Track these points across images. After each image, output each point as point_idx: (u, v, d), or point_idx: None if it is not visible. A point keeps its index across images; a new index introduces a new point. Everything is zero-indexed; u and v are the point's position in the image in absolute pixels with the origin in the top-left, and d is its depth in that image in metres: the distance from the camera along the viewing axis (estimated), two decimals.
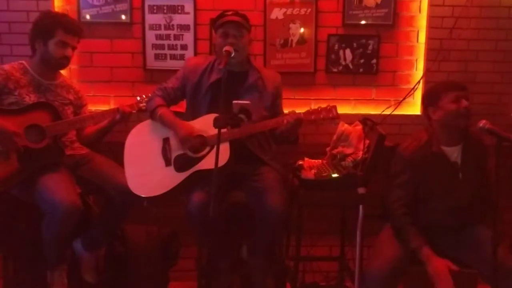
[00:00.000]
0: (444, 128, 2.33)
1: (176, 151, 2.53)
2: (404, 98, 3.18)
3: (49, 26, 2.52)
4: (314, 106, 3.15)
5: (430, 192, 2.38)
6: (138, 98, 2.72)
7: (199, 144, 2.49)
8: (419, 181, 2.36)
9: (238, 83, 2.56)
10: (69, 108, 2.66)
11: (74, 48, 2.61)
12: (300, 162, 2.76)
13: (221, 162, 2.29)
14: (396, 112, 3.19)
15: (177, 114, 2.65)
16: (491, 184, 2.34)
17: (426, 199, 2.39)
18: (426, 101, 2.39)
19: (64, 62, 2.60)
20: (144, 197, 2.47)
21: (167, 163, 2.52)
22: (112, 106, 3.05)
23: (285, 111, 2.73)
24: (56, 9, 2.99)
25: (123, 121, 2.64)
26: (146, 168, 2.52)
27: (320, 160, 2.78)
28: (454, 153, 2.34)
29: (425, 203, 2.39)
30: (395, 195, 2.39)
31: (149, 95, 2.71)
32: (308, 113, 2.46)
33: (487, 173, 2.35)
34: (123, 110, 2.61)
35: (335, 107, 2.46)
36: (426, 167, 2.34)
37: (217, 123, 2.10)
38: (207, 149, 2.48)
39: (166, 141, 2.56)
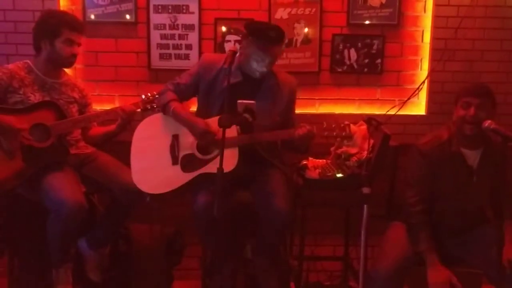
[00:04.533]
0: (458, 128, 2.31)
1: (184, 150, 2.49)
2: (409, 98, 3.16)
3: (54, 25, 2.51)
4: (320, 108, 3.15)
5: (442, 192, 2.35)
6: (143, 97, 2.70)
7: (213, 143, 2.44)
8: (433, 179, 2.33)
9: (253, 86, 2.51)
10: (74, 107, 2.65)
11: (79, 45, 2.60)
12: (305, 162, 2.74)
13: (229, 167, 2.28)
14: (401, 112, 3.17)
15: None
16: (505, 187, 2.31)
17: (437, 198, 2.36)
18: (454, 100, 2.36)
19: (72, 60, 2.60)
20: (148, 193, 2.45)
21: (174, 161, 2.48)
22: (117, 105, 3.04)
23: None
24: (62, 9, 2.99)
25: (128, 121, 2.62)
26: (152, 163, 2.49)
27: (324, 160, 2.76)
28: (473, 156, 2.31)
29: (435, 202, 2.37)
30: (411, 191, 2.35)
31: (154, 93, 2.68)
32: (321, 129, 2.39)
33: (502, 178, 2.33)
34: (124, 109, 2.59)
35: (349, 125, 2.41)
36: (442, 165, 2.31)
37: (221, 123, 2.09)
38: (216, 151, 2.44)
39: (175, 138, 2.51)
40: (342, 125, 2.41)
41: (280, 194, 2.39)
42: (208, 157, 2.45)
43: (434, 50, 3.13)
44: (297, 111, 2.80)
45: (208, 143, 2.44)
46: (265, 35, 2.40)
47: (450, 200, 2.34)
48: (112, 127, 2.66)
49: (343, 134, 2.39)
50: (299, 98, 3.00)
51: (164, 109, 2.55)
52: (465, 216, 2.34)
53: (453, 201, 2.34)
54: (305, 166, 2.71)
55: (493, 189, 2.35)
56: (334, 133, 2.39)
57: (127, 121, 2.61)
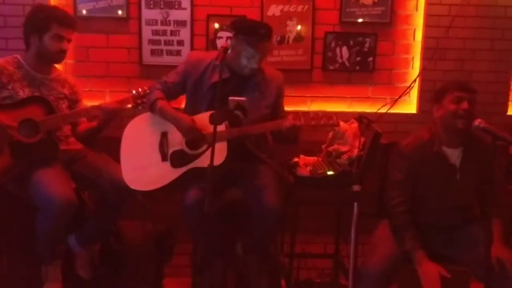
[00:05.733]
0: (444, 128, 2.32)
1: (173, 146, 2.50)
2: (400, 96, 3.17)
3: (43, 20, 2.48)
4: (312, 105, 3.15)
5: (426, 192, 2.37)
6: (134, 92, 2.67)
7: (200, 138, 2.46)
8: (416, 179, 2.34)
9: (240, 82, 2.52)
10: (64, 103, 2.63)
11: (69, 41, 2.57)
12: (296, 160, 2.74)
13: (218, 161, 2.28)
14: (392, 111, 3.17)
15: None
16: (491, 185, 2.32)
17: (422, 198, 2.37)
18: (433, 98, 2.37)
19: (61, 55, 2.56)
20: (138, 191, 2.45)
21: (164, 158, 2.50)
22: (107, 101, 3.01)
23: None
24: (52, 3, 2.95)
25: (111, 119, 2.60)
26: (142, 162, 2.50)
27: (316, 158, 2.76)
28: (454, 155, 2.33)
29: (420, 202, 2.38)
30: (393, 193, 2.37)
31: (145, 88, 2.67)
32: (308, 118, 2.43)
33: (487, 176, 2.33)
34: (105, 108, 2.56)
35: (335, 114, 2.45)
36: (425, 166, 2.32)
37: (213, 120, 2.09)
38: (205, 146, 2.45)
39: (164, 135, 2.52)
40: (329, 113, 2.44)
41: (269, 189, 2.40)
42: (197, 152, 2.46)
43: (425, 49, 3.14)
44: (289, 108, 2.80)
45: (195, 139, 2.44)
46: (255, 33, 2.41)
47: (435, 199, 2.35)
48: (93, 123, 2.64)
49: (330, 122, 2.41)
50: (291, 96, 3.00)
51: (151, 107, 2.56)
52: (452, 214, 2.35)
53: (438, 200, 2.35)
54: (296, 164, 2.71)
55: (479, 187, 2.35)
56: (322, 122, 2.41)
57: (109, 118, 2.59)
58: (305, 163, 2.70)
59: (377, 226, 2.49)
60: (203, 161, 2.41)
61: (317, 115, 2.43)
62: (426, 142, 2.35)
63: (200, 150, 2.46)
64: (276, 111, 2.62)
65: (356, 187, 2.18)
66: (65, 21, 2.52)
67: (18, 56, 2.56)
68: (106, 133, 2.75)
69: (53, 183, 2.36)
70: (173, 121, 2.49)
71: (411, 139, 2.39)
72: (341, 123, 2.78)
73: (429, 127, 2.39)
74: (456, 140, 2.33)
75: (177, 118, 2.48)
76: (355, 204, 2.14)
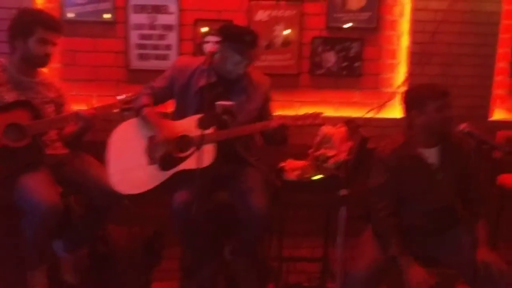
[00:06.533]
0: (425, 131, 2.33)
1: (161, 150, 2.50)
2: (387, 102, 3.19)
3: (28, 23, 2.46)
4: (299, 110, 3.16)
5: (408, 194, 2.38)
6: (120, 97, 2.66)
7: (177, 149, 2.46)
8: (397, 183, 2.35)
9: (228, 86, 2.54)
10: (50, 107, 2.60)
11: (55, 45, 2.55)
12: (283, 164, 2.74)
13: (206, 163, 2.30)
14: (379, 116, 3.20)
15: (163, 114, 2.62)
16: (474, 186, 2.34)
17: (404, 201, 2.38)
18: (410, 104, 2.37)
19: (45, 59, 2.54)
20: (125, 194, 2.44)
21: (151, 161, 2.49)
22: (94, 105, 2.99)
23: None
24: (38, 7, 2.93)
25: (89, 126, 2.57)
26: (128, 164, 2.49)
27: (303, 162, 2.77)
28: (432, 154, 2.33)
29: (404, 205, 2.39)
30: (375, 198, 2.38)
31: (131, 94, 2.65)
32: (294, 118, 2.48)
33: (469, 176, 2.35)
34: (82, 114, 2.54)
35: (321, 114, 2.50)
36: (403, 169, 2.33)
37: (201, 124, 2.09)
38: (192, 149, 2.45)
39: (151, 139, 2.52)
40: (314, 113, 2.49)
41: (257, 192, 2.41)
42: (185, 154, 2.46)
43: (412, 54, 3.17)
44: (277, 113, 2.80)
45: (169, 152, 2.45)
46: (241, 40, 2.45)
47: (418, 202, 2.36)
48: (71, 129, 2.61)
49: (316, 122, 2.47)
50: (278, 100, 3.00)
51: (137, 113, 2.57)
52: (436, 216, 2.36)
53: (421, 202, 2.35)
54: (284, 168, 2.71)
55: (461, 186, 2.37)
56: (308, 122, 2.47)
57: (88, 125, 2.56)
58: (292, 168, 2.71)
59: (363, 230, 2.50)
60: (190, 163, 2.41)
61: (303, 115, 2.49)
62: (402, 145, 2.35)
63: (188, 153, 2.46)
64: (264, 115, 2.63)
65: (343, 191, 2.19)
66: (50, 24, 2.50)
67: (3, 60, 2.53)
68: (91, 137, 2.73)
69: (39, 188, 2.33)
70: (154, 130, 2.50)
71: (386, 143, 2.40)
72: (328, 127, 2.80)
73: (402, 131, 2.40)
74: (433, 140, 2.33)
75: (156, 128, 2.49)
76: (342, 208, 2.16)
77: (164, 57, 3.08)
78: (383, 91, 3.23)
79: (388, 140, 2.42)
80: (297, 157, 2.82)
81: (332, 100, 3.22)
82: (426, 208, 2.37)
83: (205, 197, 2.38)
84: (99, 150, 2.58)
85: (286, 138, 2.59)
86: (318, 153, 2.74)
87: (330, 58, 3.18)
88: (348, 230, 2.12)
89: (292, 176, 2.63)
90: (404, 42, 3.20)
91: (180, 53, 3.07)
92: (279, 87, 3.08)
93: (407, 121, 2.37)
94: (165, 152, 2.47)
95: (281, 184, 2.64)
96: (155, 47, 3.08)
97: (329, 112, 3.18)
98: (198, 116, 2.18)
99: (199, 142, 2.04)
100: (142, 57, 3.08)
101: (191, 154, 2.43)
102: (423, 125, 2.30)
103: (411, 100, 2.36)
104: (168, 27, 3.06)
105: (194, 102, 2.53)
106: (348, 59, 3.17)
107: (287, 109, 3.17)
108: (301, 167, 2.70)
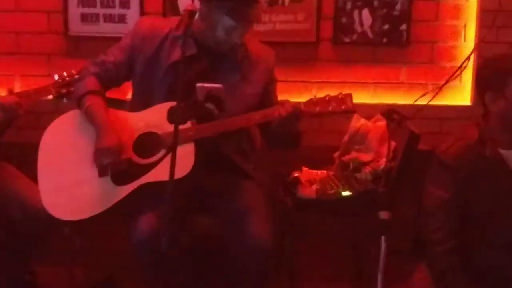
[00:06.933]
0: (506, 125, 2.36)
1: (110, 157, 2.51)
2: (447, 82, 3.23)
3: None
4: (319, 93, 3.19)
5: (484, 218, 2.40)
6: (56, 78, 2.70)
7: (137, 153, 2.50)
8: (467, 199, 2.38)
9: (213, 61, 2.57)
10: None
11: None
12: (296, 174, 2.78)
13: (182, 172, 2.30)
14: (436, 102, 3.24)
15: (117, 102, 2.65)
16: None
17: (478, 228, 2.41)
18: (484, 84, 2.39)
19: None
20: (64, 221, 2.47)
21: (102, 172, 2.50)
22: (16, 90, 3.03)
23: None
24: None
25: (10, 121, 2.60)
26: (69, 178, 2.50)
27: (325, 171, 2.81)
28: None
29: (477, 234, 2.41)
30: (434, 221, 2.40)
31: (72, 71, 2.69)
32: (311, 103, 2.48)
33: None
34: (2, 103, 2.59)
35: (350, 95, 2.49)
36: (477, 178, 2.35)
37: (172, 117, 2.10)
38: (162, 152, 2.47)
39: None
40: (340, 95, 2.48)
41: (256, 215, 2.43)
42: (150, 160, 2.49)
43: (483, 12, 3.21)
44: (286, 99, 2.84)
45: (115, 163, 2.46)
46: None
47: (499, 230, 2.38)
48: None
49: (343, 108, 2.46)
50: (287, 81, 3.03)
51: (78, 103, 2.57)
52: None
53: (501, 227, 2.37)
54: (297, 180, 2.75)
55: None
56: (330, 108, 2.46)
57: (8, 119, 2.58)
58: (309, 180, 2.74)
59: (414, 270, 2.54)
60: (159, 173, 2.43)
61: (323, 98, 2.48)
62: (476, 143, 2.37)
63: (156, 158, 2.48)
64: (267, 103, 2.66)
65: (383, 214, 2.22)
66: None
67: None
68: (15, 137, 2.77)
69: None
70: (97, 131, 2.49)
71: (451, 142, 2.42)
72: (361, 120, 2.84)
73: (476, 123, 2.43)
74: None
75: (98, 128, 2.49)
76: (383, 238, 2.19)
77: (120, 19, 3.13)
78: (442, 66, 3.28)
79: (453, 138, 2.44)
80: (316, 164, 2.86)
81: (367, 81, 3.28)
82: (507, 237, 2.39)
83: (181, 224, 2.41)
84: (26, 157, 2.62)
85: (299, 136, 2.61)
86: (347, 157, 2.78)
87: (364, 18, 3.21)
88: (390, 270, 2.15)
89: (308, 192, 2.67)
90: None
91: (144, 13, 3.11)
92: (289, 61, 3.12)
93: (481, 110, 2.41)
94: (117, 159, 2.48)
95: (293, 203, 2.68)
96: (107, 4, 3.11)
97: (362, 98, 3.24)
98: (170, 104, 2.20)
99: (171, 143, 2.07)
100: (87, 18, 3.12)
101: (159, 161, 2.46)
102: (502, 113, 2.33)
103: (485, 78, 2.39)
104: None
105: (164, 84, 2.54)
106: (390, 20, 3.21)
107: (301, 93, 3.21)
108: (321, 179, 2.74)
